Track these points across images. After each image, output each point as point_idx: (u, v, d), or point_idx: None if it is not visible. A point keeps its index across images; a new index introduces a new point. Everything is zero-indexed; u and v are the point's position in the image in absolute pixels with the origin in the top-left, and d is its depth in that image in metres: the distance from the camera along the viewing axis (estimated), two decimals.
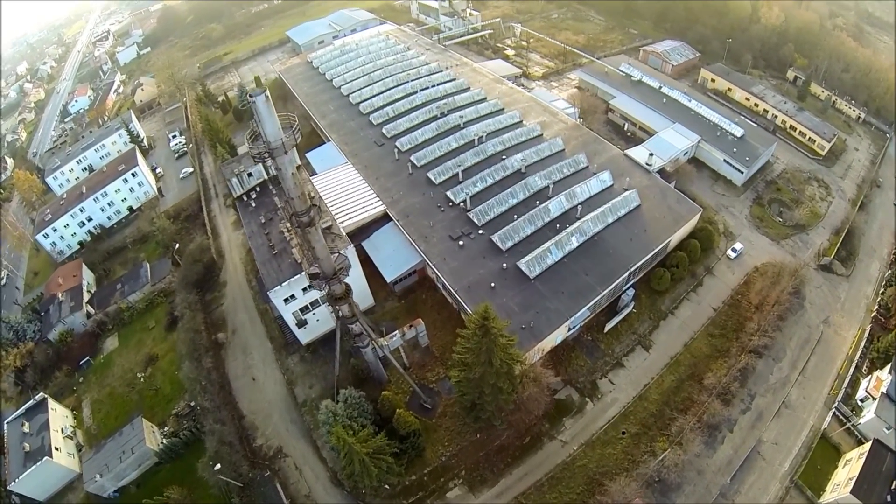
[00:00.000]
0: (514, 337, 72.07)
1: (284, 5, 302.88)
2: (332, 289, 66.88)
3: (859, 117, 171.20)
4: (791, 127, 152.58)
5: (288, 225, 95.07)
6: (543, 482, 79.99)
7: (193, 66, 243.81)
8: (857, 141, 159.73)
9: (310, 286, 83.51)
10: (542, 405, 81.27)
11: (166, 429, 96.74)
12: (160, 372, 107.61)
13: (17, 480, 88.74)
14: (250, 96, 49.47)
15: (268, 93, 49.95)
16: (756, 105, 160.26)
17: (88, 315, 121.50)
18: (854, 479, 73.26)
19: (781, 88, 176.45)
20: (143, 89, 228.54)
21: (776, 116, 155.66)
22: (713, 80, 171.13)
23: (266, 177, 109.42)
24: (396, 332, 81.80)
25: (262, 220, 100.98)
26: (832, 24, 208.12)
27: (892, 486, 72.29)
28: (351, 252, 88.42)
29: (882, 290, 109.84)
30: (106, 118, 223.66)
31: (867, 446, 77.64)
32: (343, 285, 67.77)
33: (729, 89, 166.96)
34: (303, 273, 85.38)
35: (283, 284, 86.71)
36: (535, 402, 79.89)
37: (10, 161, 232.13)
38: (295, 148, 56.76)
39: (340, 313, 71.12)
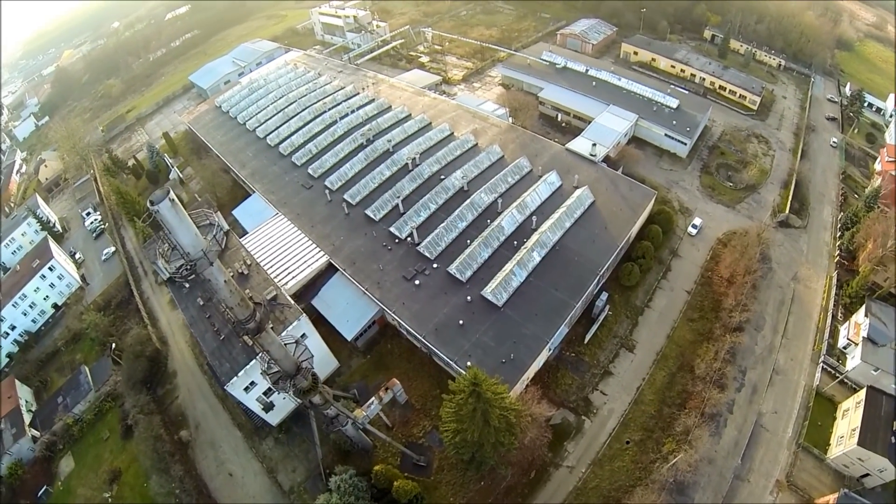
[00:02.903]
0: (504, 387, 67.42)
1: (183, 47, 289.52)
2: (297, 386, 59.74)
3: (780, 65, 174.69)
4: (720, 87, 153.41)
5: None
6: None
7: (96, 130, 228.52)
8: (784, 88, 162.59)
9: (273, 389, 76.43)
10: (543, 441, 76.91)
11: None
12: (128, 487, 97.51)
13: None
14: (151, 203, 41.04)
15: (172, 195, 41.74)
16: (682, 71, 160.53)
17: (34, 439, 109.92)
18: (857, 430, 74.27)
19: (702, 49, 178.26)
20: (46, 166, 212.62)
21: (704, 79, 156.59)
22: (636, 53, 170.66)
23: None
24: (373, 399, 75.14)
25: (201, 303, 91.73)
26: None
27: (894, 428, 73.61)
28: (304, 323, 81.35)
29: (839, 233, 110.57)
30: (12, 205, 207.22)
31: (862, 394, 78.80)
32: (310, 378, 60.68)
33: (653, 59, 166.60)
34: (259, 356, 78.03)
35: (240, 374, 78.73)
36: (537, 441, 75.58)
37: None
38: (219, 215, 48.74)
39: (311, 402, 64.14)
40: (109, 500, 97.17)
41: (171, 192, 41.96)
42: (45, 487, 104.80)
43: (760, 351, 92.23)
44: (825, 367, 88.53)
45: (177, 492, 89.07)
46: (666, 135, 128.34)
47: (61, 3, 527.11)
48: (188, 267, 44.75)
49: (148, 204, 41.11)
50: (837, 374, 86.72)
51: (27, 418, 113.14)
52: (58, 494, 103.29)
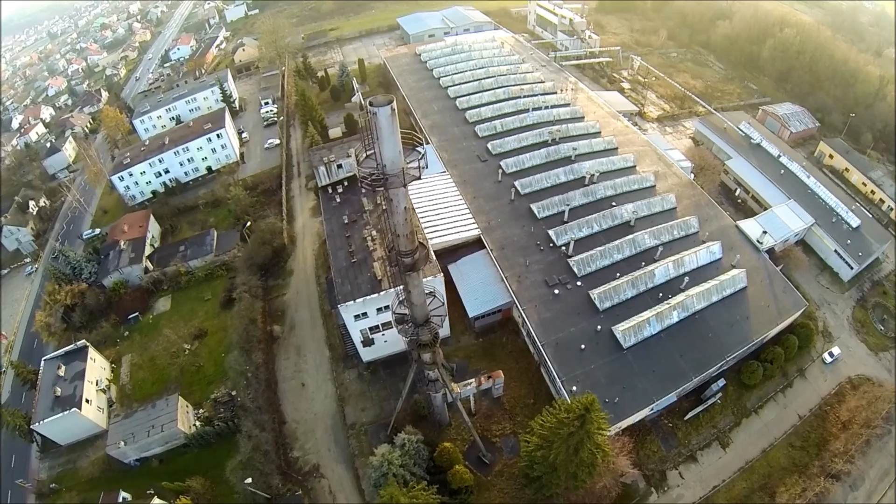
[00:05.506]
0: (607, 426, 64.16)
1: None
2: (419, 337, 59.47)
3: None
4: None
5: (374, 233, 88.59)
6: None
7: (298, 35, 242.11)
8: None
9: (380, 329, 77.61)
10: (611, 494, 73.16)
11: (201, 411, 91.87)
12: (207, 349, 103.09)
13: (41, 422, 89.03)
14: (371, 104, 39.80)
15: (394, 105, 40.15)
16: (872, 192, 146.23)
17: (146, 270, 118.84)
18: None
19: None
20: (244, 50, 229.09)
21: (892, 209, 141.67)
22: (831, 157, 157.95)
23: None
24: (472, 381, 74.14)
25: (346, 221, 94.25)
26: None
27: None
28: (439, 282, 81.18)
29: None
30: (203, 71, 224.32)
31: None
32: (432, 335, 60.38)
33: (846, 169, 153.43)
34: (381, 293, 78.95)
35: (358, 300, 79.66)
36: (605, 490, 71.89)
37: (105, 94, 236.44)
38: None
39: (419, 357, 63.84)
40: (187, 351, 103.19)
41: (395, 102, 40.70)
42: (136, 313, 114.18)
43: None
44: None
45: (248, 375, 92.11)
46: (836, 251, 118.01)
47: None
48: (379, 178, 44.16)
49: (367, 104, 40.13)
50: None
51: (147, 251, 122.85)
52: (144, 324, 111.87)
